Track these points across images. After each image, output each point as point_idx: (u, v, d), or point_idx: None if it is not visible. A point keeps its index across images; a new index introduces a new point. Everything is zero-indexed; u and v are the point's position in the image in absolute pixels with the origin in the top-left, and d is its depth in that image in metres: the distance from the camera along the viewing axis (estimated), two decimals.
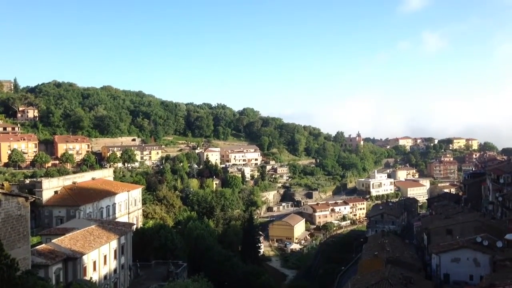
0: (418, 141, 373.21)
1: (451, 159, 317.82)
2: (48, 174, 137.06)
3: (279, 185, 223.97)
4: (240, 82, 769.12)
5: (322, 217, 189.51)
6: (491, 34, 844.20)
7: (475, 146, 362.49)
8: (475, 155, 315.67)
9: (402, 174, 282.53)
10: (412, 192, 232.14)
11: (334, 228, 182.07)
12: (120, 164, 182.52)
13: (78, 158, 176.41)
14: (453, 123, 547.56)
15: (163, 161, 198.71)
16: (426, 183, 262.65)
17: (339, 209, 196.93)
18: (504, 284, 40.98)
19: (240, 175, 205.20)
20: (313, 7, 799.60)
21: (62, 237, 56.33)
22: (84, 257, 54.29)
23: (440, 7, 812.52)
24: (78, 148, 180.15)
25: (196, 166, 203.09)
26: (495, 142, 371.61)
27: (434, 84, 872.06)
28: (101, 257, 58.94)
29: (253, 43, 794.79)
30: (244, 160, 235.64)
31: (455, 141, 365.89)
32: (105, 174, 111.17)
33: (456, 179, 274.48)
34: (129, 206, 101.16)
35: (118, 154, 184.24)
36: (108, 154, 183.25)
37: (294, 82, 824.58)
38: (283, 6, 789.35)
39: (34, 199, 47.56)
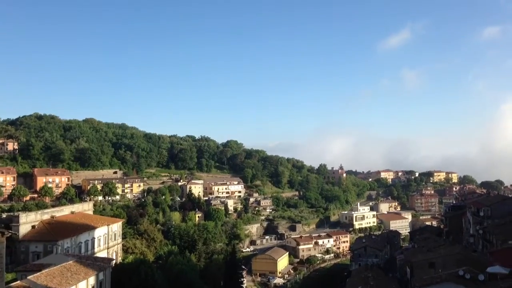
0: (399, 173, 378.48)
1: (432, 192, 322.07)
2: (26, 208, 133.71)
3: (263, 217, 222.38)
4: (224, 115, 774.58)
5: (305, 250, 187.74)
6: (467, 72, 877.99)
7: (455, 179, 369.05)
8: (455, 188, 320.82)
9: (384, 207, 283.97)
10: (394, 225, 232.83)
11: (318, 262, 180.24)
12: (100, 197, 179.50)
13: (57, 191, 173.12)
14: (431, 156, 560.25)
15: (145, 194, 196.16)
16: (408, 215, 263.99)
17: (323, 242, 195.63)
18: None
19: (223, 208, 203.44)
20: (297, 41, 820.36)
21: (38, 273, 54.49)
22: None
23: (418, 46, 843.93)
24: (58, 181, 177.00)
25: (178, 198, 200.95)
26: (472, 174, 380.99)
27: (412, 117, 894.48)
28: None
29: (237, 75, 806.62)
30: (227, 192, 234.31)
31: (435, 174, 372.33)
32: (85, 208, 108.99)
33: (437, 212, 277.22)
34: (108, 240, 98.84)
35: (99, 187, 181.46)
36: (89, 187, 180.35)
37: (278, 115, 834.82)
38: (267, 37, 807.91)
39: (10, 234, 46.27)
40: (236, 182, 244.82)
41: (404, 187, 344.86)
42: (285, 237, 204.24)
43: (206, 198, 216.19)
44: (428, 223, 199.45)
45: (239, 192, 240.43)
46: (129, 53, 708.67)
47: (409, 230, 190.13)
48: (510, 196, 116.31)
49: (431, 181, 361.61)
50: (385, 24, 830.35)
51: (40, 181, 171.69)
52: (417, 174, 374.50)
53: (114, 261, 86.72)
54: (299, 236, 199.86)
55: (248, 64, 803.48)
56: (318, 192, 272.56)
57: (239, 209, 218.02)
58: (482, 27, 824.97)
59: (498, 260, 56.72)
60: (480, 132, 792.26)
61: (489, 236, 73.88)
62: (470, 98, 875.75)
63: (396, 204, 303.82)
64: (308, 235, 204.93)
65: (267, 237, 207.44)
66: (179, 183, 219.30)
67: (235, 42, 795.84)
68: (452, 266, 58.98)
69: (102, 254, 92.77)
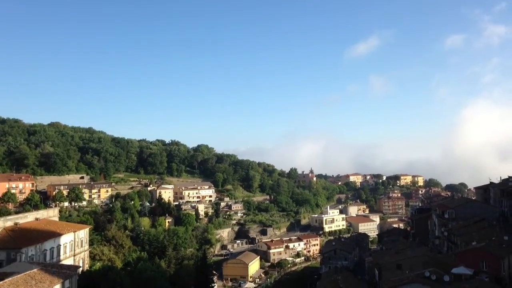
0: (368, 177, 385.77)
1: (399, 195, 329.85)
2: None
3: (234, 222, 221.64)
4: (194, 119, 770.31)
5: (276, 254, 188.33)
6: (430, 79, 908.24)
7: (420, 182, 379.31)
8: (421, 191, 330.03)
9: (353, 210, 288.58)
10: (363, 228, 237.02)
11: (289, 265, 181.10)
12: (66, 203, 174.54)
13: (21, 197, 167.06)
14: (396, 160, 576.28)
15: (113, 200, 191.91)
16: (376, 218, 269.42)
17: (293, 246, 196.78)
18: None
19: (194, 213, 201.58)
20: (268, 48, 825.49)
21: (1, 282, 52.37)
22: None
23: (386, 53, 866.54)
24: (21, 186, 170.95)
25: (148, 204, 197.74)
26: (434, 177, 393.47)
27: (379, 122, 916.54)
28: None
29: (207, 81, 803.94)
30: (198, 197, 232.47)
31: (402, 177, 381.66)
32: (50, 214, 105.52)
33: (404, 215, 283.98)
34: (75, 247, 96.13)
35: (65, 192, 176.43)
36: (54, 193, 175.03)
37: (248, 119, 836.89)
38: (237, 45, 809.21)
39: None
40: (207, 187, 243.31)
41: (372, 191, 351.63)
42: (256, 241, 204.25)
43: (177, 203, 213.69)
44: (395, 225, 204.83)
45: (210, 196, 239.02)
46: (95, 55, 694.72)
47: (377, 233, 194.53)
48: (473, 198, 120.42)
49: (398, 184, 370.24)
50: (354, 32, 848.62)
51: (3, 186, 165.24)
52: (384, 178, 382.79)
53: (80, 269, 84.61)
54: (270, 240, 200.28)
55: (218, 70, 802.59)
56: (289, 196, 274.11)
57: (210, 213, 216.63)
58: (445, 35, 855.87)
59: (462, 261, 58.66)
60: (442, 137, 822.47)
61: (454, 238, 76.28)
62: (433, 103, 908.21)
63: (365, 207, 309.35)
64: (279, 239, 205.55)
65: (238, 241, 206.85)
66: (149, 188, 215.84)
67: (206, 46, 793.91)
68: (418, 268, 60.56)
69: (68, 261, 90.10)
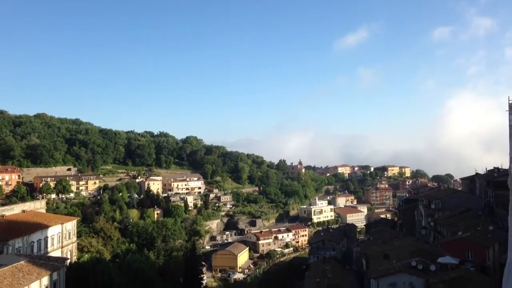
0: (356, 168, 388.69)
1: (386, 186, 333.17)
2: None
3: (223, 213, 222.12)
4: (182, 111, 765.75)
5: (265, 245, 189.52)
6: (416, 71, 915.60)
7: (408, 173, 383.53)
8: (408, 182, 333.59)
9: (341, 201, 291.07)
10: (351, 218, 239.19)
11: (278, 256, 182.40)
12: (54, 195, 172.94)
13: (7, 189, 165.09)
14: (382, 151, 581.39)
15: (101, 191, 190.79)
16: (364, 209, 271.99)
17: (282, 237, 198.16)
18: None
19: (182, 204, 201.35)
20: (256, 41, 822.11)
21: None
22: None
23: (374, 45, 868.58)
24: (7, 178, 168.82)
25: (136, 196, 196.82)
26: (420, 168, 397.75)
27: (366, 114, 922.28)
28: None
29: (195, 72, 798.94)
30: (187, 188, 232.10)
31: (389, 168, 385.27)
32: (37, 206, 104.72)
33: (391, 205, 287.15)
34: (62, 239, 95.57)
35: (52, 184, 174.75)
36: (41, 184, 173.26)
37: (237, 111, 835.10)
38: (225, 34, 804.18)
39: None
40: (196, 178, 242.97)
41: (360, 182, 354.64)
42: (245, 232, 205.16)
43: (165, 194, 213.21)
44: (383, 216, 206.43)
45: (199, 188, 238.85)
46: (81, 45, 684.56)
47: (365, 223, 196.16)
48: (459, 189, 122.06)
49: (385, 175, 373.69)
50: (342, 24, 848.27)
51: None
52: (372, 169, 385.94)
53: (68, 261, 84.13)
54: (259, 231, 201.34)
55: (206, 61, 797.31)
56: (278, 187, 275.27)
57: (199, 205, 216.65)
58: (433, 28, 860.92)
59: (448, 251, 59.50)
60: (427, 128, 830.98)
61: (440, 228, 77.33)
62: (419, 95, 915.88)
63: (353, 198, 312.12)
64: (268, 230, 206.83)
65: (227, 232, 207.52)
66: (137, 180, 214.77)
67: (194, 37, 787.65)
68: (405, 257, 61.36)
69: (56, 253, 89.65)
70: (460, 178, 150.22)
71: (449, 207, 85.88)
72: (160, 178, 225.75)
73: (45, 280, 59.14)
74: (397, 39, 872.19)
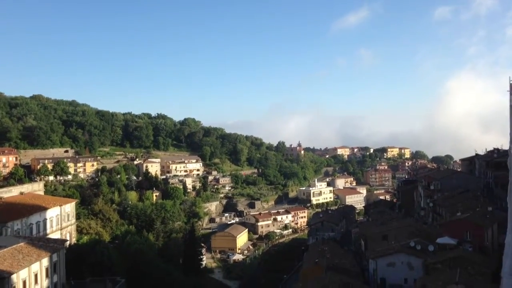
0: (355, 150, 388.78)
1: (386, 167, 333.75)
2: None
3: (222, 195, 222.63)
4: (180, 92, 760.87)
5: (264, 226, 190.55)
6: (416, 51, 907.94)
7: (407, 155, 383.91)
8: (408, 163, 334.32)
9: (340, 182, 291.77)
10: (350, 200, 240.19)
11: (277, 237, 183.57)
12: (51, 177, 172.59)
13: (5, 171, 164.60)
14: (380, 132, 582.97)
15: (99, 173, 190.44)
16: (363, 190, 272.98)
17: (281, 218, 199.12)
18: (436, 286, 43.05)
19: (181, 186, 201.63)
20: (254, 21, 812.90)
21: None
22: (13, 276, 50.88)
23: (376, 25, 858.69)
24: (4, 160, 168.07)
25: (134, 178, 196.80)
26: (417, 148, 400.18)
27: (365, 95, 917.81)
28: (31, 276, 55.48)
29: (193, 52, 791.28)
30: (185, 171, 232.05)
31: (389, 150, 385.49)
32: (35, 188, 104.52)
33: (390, 186, 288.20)
34: (61, 221, 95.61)
35: (50, 166, 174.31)
36: (39, 166, 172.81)
37: (235, 93, 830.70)
38: (223, 15, 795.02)
39: None
40: (194, 160, 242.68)
41: (360, 163, 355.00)
42: (244, 214, 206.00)
43: (164, 176, 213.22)
44: (382, 197, 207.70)
45: (198, 170, 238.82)
46: (76, 26, 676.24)
47: (364, 204, 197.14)
48: (459, 170, 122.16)
49: (385, 156, 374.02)
50: (342, 2, 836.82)
51: None
52: (371, 150, 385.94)
53: (68, 242, 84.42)
54: (258, 213, 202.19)
55: (204, 40, 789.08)
56: (277, 169, 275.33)
57: (197, 187, 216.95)
58: (434, 6, 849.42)
59: (447, 232, 59.55)
60: (425, 109, 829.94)
61: (439, 209, 77.39)
62: (418, 76, 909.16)
63: (352, 179, 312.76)
64: (267, 211, 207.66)
65: (226, 214, 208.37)
66: (135, 162, 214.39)
67: (191, 18, 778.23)
68: (404, 238, 61.48)
69: (55, 235, 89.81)
70: (459, 159, 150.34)
71: (448, 188, 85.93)
72: (158, 160, 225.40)
73: (45, 262, 59.39)
74: (398, 18, 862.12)
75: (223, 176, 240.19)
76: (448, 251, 53.42)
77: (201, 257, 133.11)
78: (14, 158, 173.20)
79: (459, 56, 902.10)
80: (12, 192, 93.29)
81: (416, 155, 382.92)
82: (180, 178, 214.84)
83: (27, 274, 54.51)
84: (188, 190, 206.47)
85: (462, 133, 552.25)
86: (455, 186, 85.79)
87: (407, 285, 54.02)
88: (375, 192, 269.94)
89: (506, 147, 73.10)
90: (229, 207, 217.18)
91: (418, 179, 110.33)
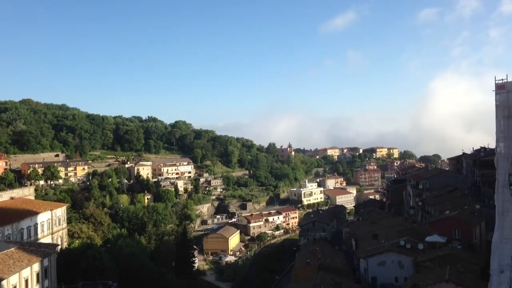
0: (345, 150, 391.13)
1: (375, 167, 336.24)
2: None
3: (213, 197, 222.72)
4: (171, 95, 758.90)
5: (256, 227, 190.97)
6: (401, 52, 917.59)
7: (396, 155, 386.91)
8: (396, 163, 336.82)
9: (331, 183, 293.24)
10: (340, 200, 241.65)
11: (268, 238, 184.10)
12: (42, 182, 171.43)
13: None
14: (367, 132, 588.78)
15: (90, 177, 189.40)
16: (353, 190, 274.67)
17: (273, 219, 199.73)
18: (426, 284, 43.87)
19: (173, 189, 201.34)
20: (245, 27, 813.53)
21: None
22: (3, 282, 50.28)
23: (363, 27, 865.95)
24: None
25: (126, 181, 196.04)
26: (403, 148, 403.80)
27: (353, 96, 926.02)
28: (22, 282, 54.86)
29: (182, 55, 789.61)
30: (177, 173, 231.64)
31: (378, 150, 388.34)
32: (26, 193, 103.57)
33: (380, 186, 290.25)
34: (52, 226, 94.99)
35: (40, 171, 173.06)
36: (29, 171, 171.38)
37: (226, 94, 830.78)
38: (213, 17, 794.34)
39: None
40: (185, 163, 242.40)
41: (349, 163, 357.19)
42: (236, 215, 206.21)
43: (155, 179, 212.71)
44: (371, 197, 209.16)
45: (189, 172, 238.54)
46: (65, 29, 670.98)
47: (354, 204, 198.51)
48: (447, 169, 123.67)
49: (374, 157, 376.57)
50: (331, 5, 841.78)
51: None
52: (361, 151, 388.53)
53: (59, 247, 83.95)
54: (249, 214, 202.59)
55: (193, 43, 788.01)
56: (268, 170, 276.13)
57: (189, 189, 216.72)
58: (419, 9, 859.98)
59: (436, 230, 60.53)
60: (411, 109, 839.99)
61: (428, 208, 78.43)
62: (404, 77, 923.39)
63: (342, 179, 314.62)
64: (258, 213, 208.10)
65: (218, 216, 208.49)
66: (126, 165, 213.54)
67: (181, 20, 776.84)
68: (394, 237, 62.31)
69: (46, 240, 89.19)
70: (447, 158, 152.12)
71: (437, 187, 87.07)
72: (149, 163, 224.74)
73: (36, 267, 58.88)
74: (384, 20, 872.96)
75: (215, 178, 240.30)
76: (438, 249, 54.30)
77: (193, 259, 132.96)
78: (4, 163, 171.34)
79: (443, 57, 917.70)
80: (2, 197, 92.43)
81: (405, 155, 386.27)
82: (172, 181, 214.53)
83: (18, 279, 53.85)
84: (180, 193, 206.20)
85: (446, 132, 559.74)
86: (443, 185, 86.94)
87: (397, 283, 54.76)
88: (365, 192, 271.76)
89: (492, 145, 74.45)
90: (221, 208, 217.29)
91: (407, 179, 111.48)
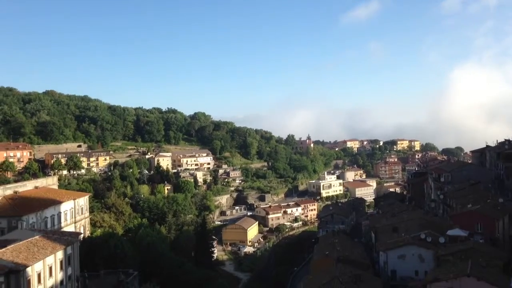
0: (365, 142, 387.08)
1: (396, 159, 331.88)
2: None
3: (232, 188, 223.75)
4: (191, 87, 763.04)
5: (274, 219, 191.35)
6: (422, 42, 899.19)
7: (417, 147, 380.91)
8: (418, 155, 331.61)
9: (350, 175, 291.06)
10: (360, 192, 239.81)
11: (287, 230, 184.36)
12: (65, 172, 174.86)
13: (19, 166, 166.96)
14: (384, 124, 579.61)
15: (112, 168, 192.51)
16: (373, 183, 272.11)
17: (291, 211, 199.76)
18: (447, 278, 43.25)
19: (192, 180, 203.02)
20: (265, 20, 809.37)
21: (4, 249, 53.14)
22: (28, 269, 51.64)
23: (386, 18, 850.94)
24: (19, 155, 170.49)
25: (146, 171, 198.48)
26: (423, 140, 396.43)
27: (372, 87, 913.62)
28: (46, 269, 56.29)
29: (203, 46, 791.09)
30: (196, 164, 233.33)
31: (399, 142, 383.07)
32: (49, 182, 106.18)
33: (400, 179, 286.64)
34: (75, 215, 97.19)
35: (63, 161, 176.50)
36: (52, 161, 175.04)
37: (245, 86, 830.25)
38: (232, 9, 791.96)
39: None
40: (205, 154, 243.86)
41: (369, 156, 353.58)
42: (255, 207, 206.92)
43: (175, 170, 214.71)
44: (392, 189, 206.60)
45: (208, 164, 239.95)
46: (89, 22, 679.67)
47: (373, 197, 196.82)
48: (469, 162, 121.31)
49: (394, 149, 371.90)
50: None
51: (1, 155, 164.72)
52: (381, 143, 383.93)
53: (82, 235, 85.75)
54: (268, 205, 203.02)
55: (214, 35, 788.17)
56: (287, 162, 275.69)
57: (208, 180, 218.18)
58: None
59: (458, 223, 59.58)
60: (430, 100, 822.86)
61: (449, 201, 77.15)
62: (423, 67, 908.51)
63: (362, 172, 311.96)
64: (277, 204, 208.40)
65: (236, 207, 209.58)
66: (147, 156, 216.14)
67: (202, 11, 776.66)
68: (414, 230, 61.55)
69: (69, 228, 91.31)
70: (470, 151, 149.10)
71: (459, 180, 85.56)
72: (169, 154, 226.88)
73: (60, 254, 60.28)
74: (408, 10, 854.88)
75: (233, 170, 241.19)
76: (459, 243, 53.49)
77: (213, 249, 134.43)
78: (28, 153, 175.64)
79: (465, 47, 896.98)
80: (27, 187, 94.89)
81: (426, 147, 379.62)
82: (191, 172, 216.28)
83: (42, 266, 55.26)
84: (199, 184, 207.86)
85: (467, 124, 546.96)
86: (466, 178, 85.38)
87: (418, 277, 54.16)
88: (385, 184, 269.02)
89: None
90: (240, 200, 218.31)
91: (429, 172, 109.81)
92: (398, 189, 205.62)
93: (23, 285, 50.09)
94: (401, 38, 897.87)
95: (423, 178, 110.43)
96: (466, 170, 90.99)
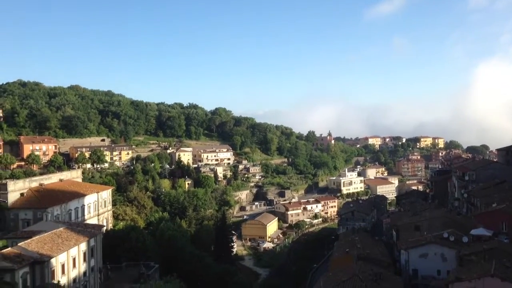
0: (387, 139, 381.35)
1: (419, 157, 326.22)
2: (13, 176, 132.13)
3: (252, 184, 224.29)
4: (211, 82, 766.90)
5: (294, 215, 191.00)
6: (447, 38, 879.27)
7: (441, 145, 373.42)
8: (441, 153, 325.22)
9: (371, 172, 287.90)
10: (381, 190, 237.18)
11: (306, 226, 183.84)
12: (89, 165, 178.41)
13: (45, 159, 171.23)
14: (405, 121, 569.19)
15: (134, 162, 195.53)
16: (395, 180, 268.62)
17: (311, 208, 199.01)
18: (470, 278, 42.35)
19: (212, 175, 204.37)
20: (286, 15, 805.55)
21: (29, 240, 54.69)
22: (52, 260, 52.95)
23: (411, 13, 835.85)
24: (45, 149, 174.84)
25: (168, 166, 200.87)
26: (443, 137, 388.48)
27: (394, 84, 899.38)
28: (70, 260, 57.66)
29: (224, 42, 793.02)
30: (216, 160, 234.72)
31: (422, 139, 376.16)
32: (73, 175, 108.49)
33: (423, 177, 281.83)
34: (98, 207, 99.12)
35: (87, 154, 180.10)
36: (77, 155, 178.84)
37: (266, 83, 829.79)
38: (254, 4, 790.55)
39: None
40: (225, 150, 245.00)
41: (391, 153, 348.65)
42: (274, 203, 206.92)
43: (196, 165, 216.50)
44: (414, 187, 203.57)
45: (228, 159, 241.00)
46: (113, 20, 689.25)
47: (395, 195, 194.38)
48: (495, 160, 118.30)
49: (417, 146, 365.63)
50: None
51: (27, 149, 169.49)
52: (404, 140, 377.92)
53: (104, 228, 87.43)
54: (288, 202, 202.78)
55: (236, 31, 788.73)
56: (307, 158, 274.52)
57: (228, 176, 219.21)
58: None
59: (482, 223, 58.23)
60: (453, 98, 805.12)
61: (474, 200, 75.47)
62: (447, 64, 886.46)
63: (383, 169, 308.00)
64: (296, 200, 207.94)
65: (256, 203, 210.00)
66: (168, 151, 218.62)
67: (224, 6, 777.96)
68: (437, 229, 60.34)
69: (93, 221, 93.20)
70: (496, 149, 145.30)
71: (484, 179, 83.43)
72: (190, 149, 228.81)
73: (83, 246, 61.65)
74: (434, 5, 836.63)
75: (253, 165, 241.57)
76: (483, 243, 52.24)
77: (232, 244, 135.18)
78: (53, 147, 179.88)
79: (490, 44, 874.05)
80: (52, 179, 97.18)
81: (450, 145, 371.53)
82: (211, 167, 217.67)
83: (66, 258, 56.73)
84: (219, 179, 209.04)
85: (491, 122, 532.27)
86: (491, 176, 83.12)
87: (440, 276, 53.12)
88: (407, 182, 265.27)
89: None
90: (259, 196, 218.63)
91: (452, 170, 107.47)
92: (420, 187, 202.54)
93: (47, 275, 51.37)
94: (425, 34, 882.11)
95: (447, 176, 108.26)
96: (492, 168, 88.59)
